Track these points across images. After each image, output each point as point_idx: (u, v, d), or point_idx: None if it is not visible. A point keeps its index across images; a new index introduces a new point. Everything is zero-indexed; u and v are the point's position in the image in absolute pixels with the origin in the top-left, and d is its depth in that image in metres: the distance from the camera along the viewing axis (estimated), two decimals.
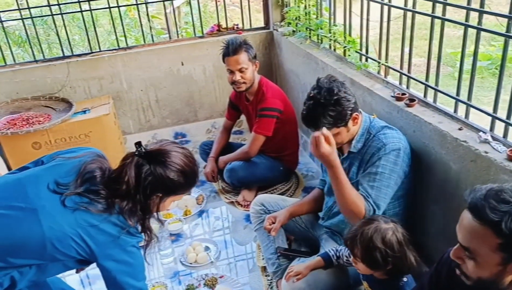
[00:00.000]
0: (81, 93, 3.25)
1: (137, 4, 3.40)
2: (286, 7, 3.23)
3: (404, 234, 1.48)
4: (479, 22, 1.56)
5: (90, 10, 3.18)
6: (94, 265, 1.41)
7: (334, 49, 2.67)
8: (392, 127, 1.80)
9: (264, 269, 2.23)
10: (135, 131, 3.51)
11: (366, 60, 2.33)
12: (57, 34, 3.28)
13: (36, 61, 3.19)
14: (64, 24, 3.31)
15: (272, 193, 2.76)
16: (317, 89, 1.68)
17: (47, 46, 4.62)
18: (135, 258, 1.38)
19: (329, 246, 1.88)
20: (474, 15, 1.61)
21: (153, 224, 1.50)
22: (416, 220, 1.94)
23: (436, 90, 1.86)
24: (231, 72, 2.62)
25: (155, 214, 1.47)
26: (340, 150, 1.87)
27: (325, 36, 2.68)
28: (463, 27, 1.64)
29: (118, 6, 3.27)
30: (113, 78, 3.29)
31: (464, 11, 1.62)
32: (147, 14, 3.60)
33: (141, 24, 3.47)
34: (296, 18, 3.12)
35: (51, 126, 2.82)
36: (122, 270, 1.36)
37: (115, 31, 3.38)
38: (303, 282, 1.73)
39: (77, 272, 1.67)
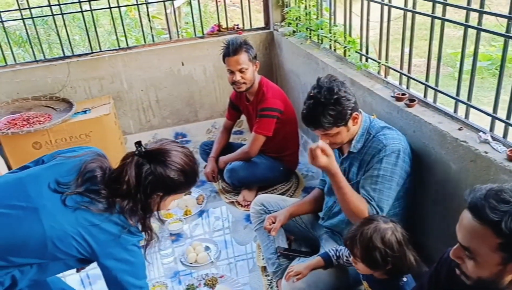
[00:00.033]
0: (82, 93, 3.26)
1: (137, 4, 3.40)
2: (287, 7, 3.23)
3: (403, 234, 1.48)
4: (479, 23, 1.57)
5: (91, 10, 3.18)
6: (94, 264, 1.41)
7: (335, 49, 2.68)
8: (392, 127, 1.80)
9: (264, 269, 2.24)
10: (135, 131, 3.51)
11: (366, 60, 2.33)
12: (58, 34, 3.29)
13: (36, 61, 3.19)
14: (64, 24, 3.32)
15: (272, 193, 2.76)
16: (317, 89, 1.68)
17: (48, 46, 4.62)
18: (136, 257, 1.39)
19: (329, 246, 1.88)
20: (474, 16, 1.61)
21: (153, 223, 1.50)
22: (416, 220, 1.94)
23: (436, 90, 1.86)
24: (232, 72, 2.62)
25: (155, 213, 1.48)
26: (340, 150, 1.88)
27: (326, 36, 2.69)
28: (463, 27, 1.65)
29: (119, 6, 3.28)
30: (113, 78, 3.30)
31: (464, 11, 1.62)
32: (148, 14, 3.60)
33: (142, 24, 3.48)
34: (296, 18, 3.13)
35: (52, 126, 2.83)
36: (122, 269, 1.36)
37: (115, 31, 3.39)
38: (303, 282, 1.73)
39: (77, 271, 1.67)
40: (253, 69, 2.64)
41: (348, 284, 1.81)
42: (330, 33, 2.63)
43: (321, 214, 2.07)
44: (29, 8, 3.06)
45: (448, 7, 1.72)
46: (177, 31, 3.96)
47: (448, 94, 1.81)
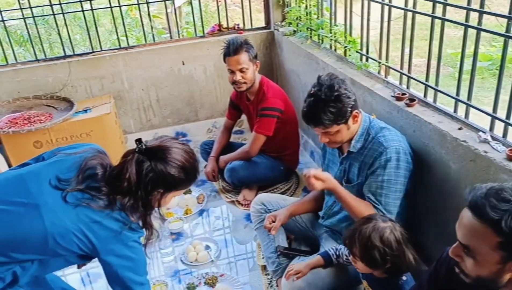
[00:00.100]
0: (82, 92, 3.26)
1: (138, 4, 3.40)
2: (287, 7, 3.23)
3: (402, 232, 1.48)
4: (479, 22, 1.57)
5: (92, 9, 3.19)
6: (95, 263, 1.41)
7: (335, 49, 2.68)
8: (391, 128, 1.80)
9: (264, 268, 2.24)
10: (136, 130, 3.51)
11: (367, 60, 2.33)
12: (59, 34, 3.30)
13: (37, 60, 3.20)
14: (65, 23, 3.32)
15: (272, 193, 2.76)
16: (318, 86, 1.69)
17: (49, 46, 4.63)
18: (137, 253, 1.39)
19: (329, 245, 1.88)
20: (474, 16, 1.62)
21: (154, 222, 1.50)
22: (416, 220, 1.95)
23: (436, 90, 1.86)
24: (232, 72, 2.62)
25: (156, 209, 1.48)
26: (339, 149, 1.88)
27: (326, 36, 2.69)
28: (463, 27, 1.65)
29: (120, 6, 3.28)
30: (114, 77, 3.30)
31: (465, 11, 1.62)
32: (149, 14, 3.60)
33: (142, 24, 3.48)
34: (297, 18, 3.13)
35: (53, 125, 2.83)
36: (123, 265, 1.37)
37: (116, 31, 3.39)
38: (303, 281, 1.74)
39: (78, 267, 1.68)
40: (253, 68, 2.64)
41: (348, 283, 1.81)
42: (331, 33, 2.63)
43: (321, 213, 2.07)
44: (30, 8, 3.07)
45: (448, 7, 1.73)
46: (178, 31, 3.96)
47: (448, 93, 1.81)
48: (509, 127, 1.54)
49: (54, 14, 3.17)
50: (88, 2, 3.11)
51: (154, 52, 3.33)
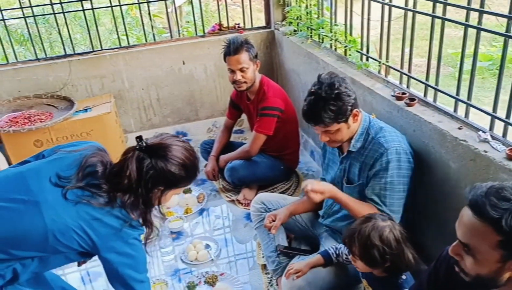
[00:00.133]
0: (83, 91, 3.27)
1: (138, 3, 3.40)
2: (288, 6, 3.24)
3: (401, 231, 1.48)
4: (479, 22, 1.57)
5: (92, 8, 3.19)
6: (96, 261, 1.41)
7: (335, 49, 2.68)
8: (391, 128, 1.80)
9: (264, 267, 2.24)
10: (136, 129, 3.52)
11: (367, 60, 2.34)
12: (59, 33, 3.30)
13: (38, 59, 3.20)
14: (66, 22, 3.32)
15: (272, 192, 2.77)
16: (318, 85, 1.69)
17: (49, 45, 4.63)
18: (137, 251, 1.39)
19: (329, 244, 1.89)
20: (474, 15, 1.62)
21: (154, 220, 1.50)
22: (416, 220, 1.95)
23: (436, 90, 1.87)
24: (232, 71, 2.62)
25: (156, 207, 1.48)
26: (339, 148, 1.88)
27: (326, 36, 2.69)
28: (464, 27, 1.65)
29: (120, 5, 3.28)
30: (114, 76, 3.30)
31: (465, 11, 1.62)
32: (149, 13, 3.61)
33: (143, 23, 3.48)
34: (297, 18, 3.13)
35: (53, 124, 2.83)
36: (124, 263, 1.37)
37: (116, 30, 3.39)
38: (303, 280, 1.74)
39: (79, 265, 1.68)
40: (254, 68, 2.64)
41: (347, 282, 1.82)
42: (331, 32, 2.63)
43: (321, 212, 2.07)
44: (31, 7, 3.07)
45: (448, 7, 1.73)
46: (178, 30, 3.96)
47: (448, 93, 1.81)
48: (509, 126, 1.54)
49: (54, 13, 3.17)
50: (89, 1, 3.12)
51: (155, 51, 3.34)
